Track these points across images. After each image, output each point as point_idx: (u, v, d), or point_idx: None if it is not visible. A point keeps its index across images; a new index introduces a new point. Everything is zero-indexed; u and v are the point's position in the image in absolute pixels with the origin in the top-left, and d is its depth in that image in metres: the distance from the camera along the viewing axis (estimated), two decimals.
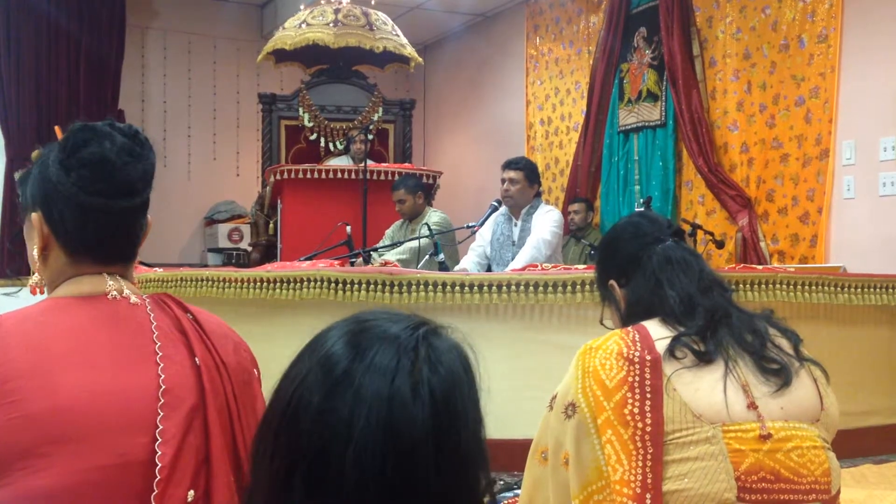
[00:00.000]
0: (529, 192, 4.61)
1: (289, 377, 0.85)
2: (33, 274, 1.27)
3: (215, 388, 1.23)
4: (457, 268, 4.62)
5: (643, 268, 1.59)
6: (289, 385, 0.84)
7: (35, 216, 1.26)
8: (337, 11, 6.62)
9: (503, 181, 4.62)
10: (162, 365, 1.20)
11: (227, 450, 1.22)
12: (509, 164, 4.63)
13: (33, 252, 1.27)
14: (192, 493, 1.16)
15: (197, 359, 1.24)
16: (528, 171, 4.61)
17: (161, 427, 1.16)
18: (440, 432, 0.79)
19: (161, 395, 1.18)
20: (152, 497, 1.13)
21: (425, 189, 5.42)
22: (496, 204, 4.69)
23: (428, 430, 0.78)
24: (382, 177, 5.66)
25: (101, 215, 1.24)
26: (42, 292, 1.28)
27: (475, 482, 0.83)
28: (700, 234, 5.19)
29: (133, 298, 1.27)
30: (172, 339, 1.25)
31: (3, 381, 1.10)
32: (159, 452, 1.14)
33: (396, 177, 5.61)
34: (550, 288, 3.33)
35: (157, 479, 1.13)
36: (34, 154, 1.30)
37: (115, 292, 1.26)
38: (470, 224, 4.77)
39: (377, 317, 0.86)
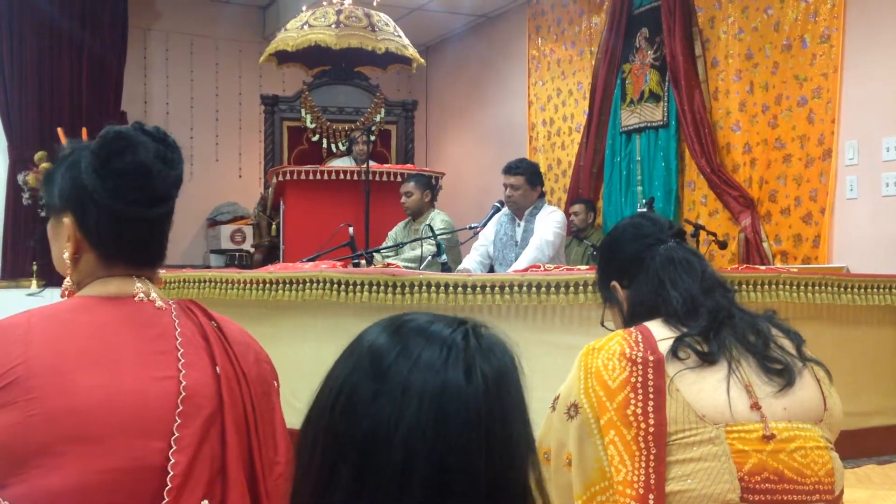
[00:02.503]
0: (532, 195, 4.60)
1: (333, 375, 0.85)
2: (65, 278, 1.28)
3: (234, 398, 1.23)
4: (459, 267, 4.61)
5: (646, 269, 1.59)
6: (334, 381, 0.84)
7: (67, 221, 1.26)
8: (339, 13, 6.61)
9: (505, 187, 4.59)
10: (183, 371, 1.20)
11: (243, 460, 1.22)
12: (510, 170, 4.59)
13: (63, 255, 1.26)
14: (206, 502, 1.15)
15: (217, 367, 1.23)
16: (528, 174, 4.59)
17: (177, 434, 1.15)
18: (492, 417, 0.79)
19: (180, 401, 1.17)
20: None
21: (434, 190, 5.42)
22: (499, 205, 4.68)
23: (481, 413, 0.78)
24: (385, 178, 5.66)
25: (137, 223, 1.25)
26: (73, 297, 1.28)
27: (523, 470, 0.83)
28: (703, 234, 5.19)
29: (159, 302, 1.27)
30: (195, 345, 1.24)
31: (24, 378, 1.10)
32: (173, 460, 1.14)
33: (399, 178, 5.61)
34: (553, 289, 3.33)
35: (168, 488, 1.12)
36: (37, 156, 1.30)
37: (142, 294, 1.26)
38: (472, 225, 4.76)
39: (420, 314, 0.87)
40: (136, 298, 1.25)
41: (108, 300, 1.24)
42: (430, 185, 5.35)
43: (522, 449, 0.82)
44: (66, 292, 1.28)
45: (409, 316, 0.86)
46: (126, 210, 1.23)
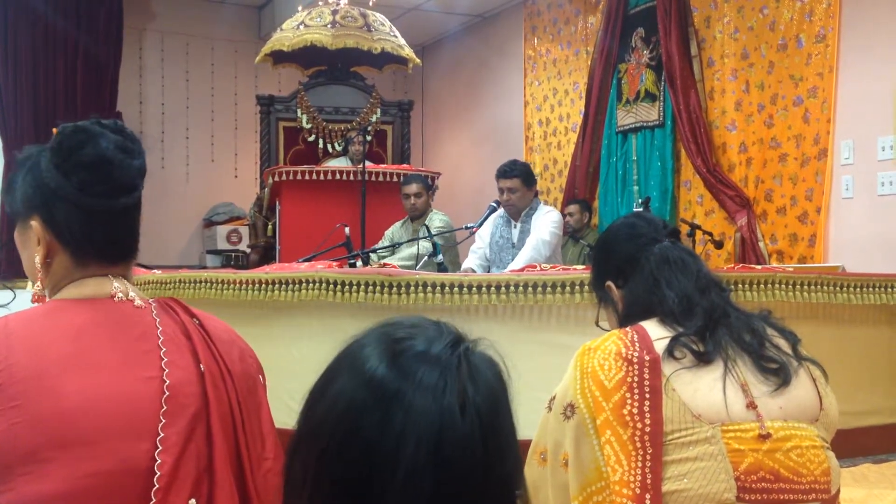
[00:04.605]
0: (529, 195, 4.59)
1: (325, 400, 0.82)
2: (35, 283, 1.26)
3: (219, 395, 1.22)
4: (463, 267, 4.62)
5: (641, 268, 1.58)
6: (331, 408, 0.81)
7: (35, 224, 1.24)
8: (335, 13, 6.61)
9: (501, 191, 4.56)
10: (167, 370, 1.19)
11: (230, 458, 1.21)
12: (504, 174, 4.56)
13: (34, 260, 1.24)
14: (193, 501, 1.15)
15: (201, 365, 1.22)
16: (524, 176, 4.57)
17: (162, 434, 1.14)
18: (488, 452, 0.79)
19: (164, 401, 1.16)
20: None
21: (433, 190, 5.44)
22: (494, 205, 4.68)
23: (478, 449, 0.78)
24: (381, 178, 5.66)
25: (105, 215, 1.24)
26: (44, 302, 1.25)
27: (515, 486, 0.83)
28: (699, 234, 5.19)
29: (138, 301, 1.26)
30: (178, 344, 1.23)
31: (6, 385, 1.08)
32: (158, 460, 1.13)
33: (395, 178, 5.62)
34: (549, 288, 3.33)
35: (155, 488, 1.12)
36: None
37: (120, 294, 1.25)
38: (469, 225, 4.76)
39: (412, 334, 0.84)
40: (114, 298, 1.24)
41: (86, 301, 1.22)
42: (431, 185, 5.38)
43: (513, 480, 0.83)
44: (37, 297, 1.26)
45: (406, 341, 0.83)
46: (92, 202, 1.22)
